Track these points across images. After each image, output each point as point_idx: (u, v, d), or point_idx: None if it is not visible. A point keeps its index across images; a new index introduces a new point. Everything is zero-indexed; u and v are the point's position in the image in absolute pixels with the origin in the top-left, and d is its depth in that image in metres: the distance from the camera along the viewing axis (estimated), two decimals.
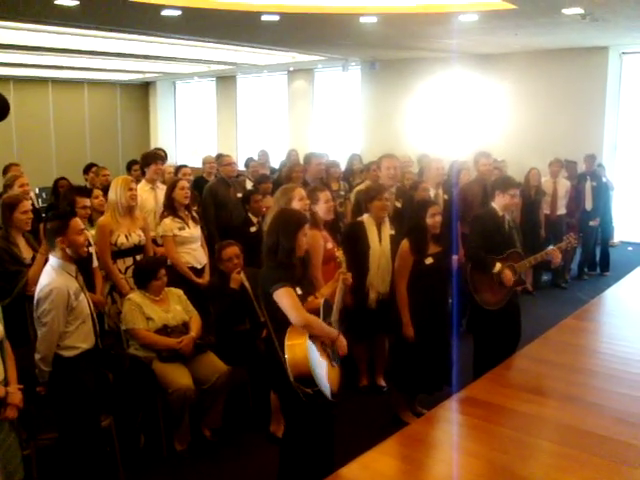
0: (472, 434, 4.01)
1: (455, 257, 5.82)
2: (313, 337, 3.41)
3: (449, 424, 4.08)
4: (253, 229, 6.17)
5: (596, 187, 9.17)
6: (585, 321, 6.36)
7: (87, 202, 4.99)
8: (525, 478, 3.46)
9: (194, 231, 5.59)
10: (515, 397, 4.43)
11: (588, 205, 9.11)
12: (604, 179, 9.38)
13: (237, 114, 17.63)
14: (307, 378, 3.28)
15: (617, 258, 10.06)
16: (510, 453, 3.75)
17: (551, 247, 5.42)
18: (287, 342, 3.31)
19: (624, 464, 3.61)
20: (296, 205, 4.43)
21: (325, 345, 3.51)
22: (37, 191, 11.61)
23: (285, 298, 3.35)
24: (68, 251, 3.71)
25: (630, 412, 4.27)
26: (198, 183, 7.94)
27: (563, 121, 11.35)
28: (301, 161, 8.29)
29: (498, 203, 4.94)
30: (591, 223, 9.11)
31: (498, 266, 4.82)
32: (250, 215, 6.25)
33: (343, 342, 3.65)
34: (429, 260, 4.64)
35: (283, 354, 3.30)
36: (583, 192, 9.06)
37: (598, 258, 9.65)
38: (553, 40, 10.32)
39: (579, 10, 7.42)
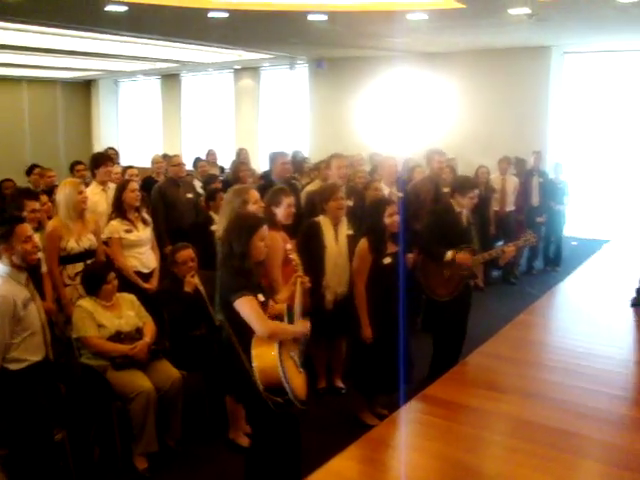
0: (434, 434, 4.01)
1: (410, 255, 5.84)
2: (280, 343, 3.33)
3: (412, 425, 4.06)
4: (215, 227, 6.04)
5: (542, 183, 9.33)
6: (537, 317, 6.46)
7: (37, 205, 4.80)
8: (482, 474, 3.50)
9: (143, 234, 5.44)
10: (474, 395, 4.46)
11: (535, 201, 9.25)
12: (552, 176, 9.53)
13: (182, 113, 17.34)
14: (277, 387, 3.20)
15: (563, 253, 10.24)
16: (470, 450, 3.77)
17: (506, 245, 5.51)
18: (254, 351, 3.22)
19: (575, 455, 3.69)
20: (251, 208, 4.36)
21: (291, 352, 3.44)
22: None
23: (247, 308, 3.27)
24: (15, 259, 3.54)
25: (583, 404, 4.35)
26: (147, 183, 7.75)
27: (509, 119, 11.52)
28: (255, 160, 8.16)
29: (456, 201, 5.03)
30: (538, 220, 9.25)
31: (450, 254, 4.93)
32: (212, 213, 6.08)
33: (307, 326, 3.61)
34: (387, 260, 4.63)
35: (250, 363, 3.20)
36: (530, 188, 9.21)
37: (548, 254, 9.80)
38: (499, 39, 10.45)
39: (526, 10, 7.52)
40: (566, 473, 3.50)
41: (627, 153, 11.44)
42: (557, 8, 7.57)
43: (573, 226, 10.81)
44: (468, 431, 3.95)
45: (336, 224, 5.13)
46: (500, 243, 8.60)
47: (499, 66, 11.68)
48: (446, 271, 5.03)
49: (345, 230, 5.19)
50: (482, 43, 11.00)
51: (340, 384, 5.54)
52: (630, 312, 6.84)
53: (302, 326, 3.56)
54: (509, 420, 4.13)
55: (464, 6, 7.42)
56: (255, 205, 4.42)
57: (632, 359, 5.46)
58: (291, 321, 3.57)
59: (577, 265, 9.22)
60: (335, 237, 5.10)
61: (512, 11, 7.71)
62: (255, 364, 3.19)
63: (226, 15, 8.15)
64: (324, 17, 8.37)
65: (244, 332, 3.29)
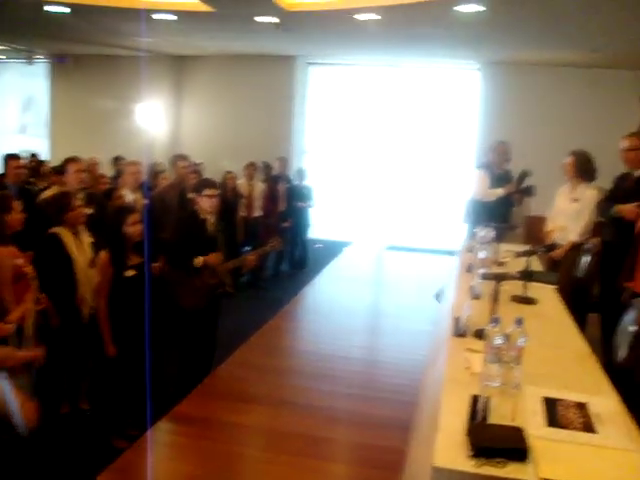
0: (185, 455, 3.88)
1: (155, 265, 5.63)
2: (7, 371, 2.97)
3: (161, 447, 3.88)
4: None
5: (288, 188, 9.61)
6: (287, 321, 6.63)
7: None
8: None
9: None
10: (226, 408, 4.41)
11: (282, 206, 9.49)
12: (297, 182, 9.85)
13: None
14: (2, 421, 2.84)
15: (308, 255, 10.63)
16: (223, 469, 3.71)
17: (251, 252, 5.55)
18: None
19: (325, 460, 3.81)
20: None
21: (19, 380, 3.09)
22: None
23: None
24: None
25: (329, 407, 4.52)
26: None
27: (256, 125, 11.76)
28: None
29: (199, 205, 4.94)
30: (284, 224, 9.50)
31: (199, 259, 4.83)
32: None
33: (40, 355, 3.33)
34: (130, 272, 4.38)
35: None
36: (277, 193, 9.43)
37: (294, 256, 10.10)
38: (248, 46, 10.62)
39: (273, 19, 7.68)
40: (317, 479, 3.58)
41: (366, 160, 12.31)
42: (302, 20, 7.85)
43: (317, 229, 11.29)
44: (221, 448, 3.88)
45: (75, 233, 4.76)
46: (248, 248, 8.69)
47: (248, 73, 11.89)
48: (195, 280, 4.92)
49: (87, 238, 4.85)
50: (232, 49, 11.12)
51: (85, 406, 5.15)
52: (367, 314, 7.31)
53: (33, 352, 3.22)
54: (261, 432, 4.14)
55: (213, 10, 7.37)
56: None
57: (371, 358, 5.82)
58: (21, 343, 3.22)
59: (322, 267, 9.69)
60: (79, 247, 4.74)
61: (259, 19, 7.84)
62: None
63: None
64: (63, 9, 7.82)
65: None
